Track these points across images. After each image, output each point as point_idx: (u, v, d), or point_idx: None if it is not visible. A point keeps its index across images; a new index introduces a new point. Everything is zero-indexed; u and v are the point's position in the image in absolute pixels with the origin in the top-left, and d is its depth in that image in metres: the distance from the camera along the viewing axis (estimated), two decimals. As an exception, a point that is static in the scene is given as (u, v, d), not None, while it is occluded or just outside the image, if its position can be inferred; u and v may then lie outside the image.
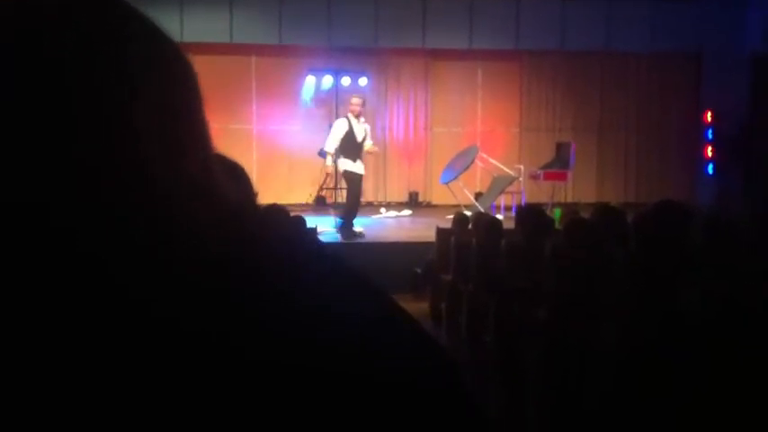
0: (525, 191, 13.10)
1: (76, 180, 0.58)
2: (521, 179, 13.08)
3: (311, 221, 10.26)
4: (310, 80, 14.05)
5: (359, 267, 0.71)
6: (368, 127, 10.49)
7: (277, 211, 3.52)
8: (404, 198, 14.53)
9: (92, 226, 0.59)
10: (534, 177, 13.10)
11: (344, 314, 0.65)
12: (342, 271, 0.71)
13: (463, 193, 12.32)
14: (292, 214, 5.89)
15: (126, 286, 0.60)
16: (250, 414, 0.60)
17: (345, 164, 10.22)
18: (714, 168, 13.91)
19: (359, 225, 10.87)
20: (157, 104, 0.63)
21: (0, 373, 0.58)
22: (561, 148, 13.47)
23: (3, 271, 0.57)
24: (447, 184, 12.59)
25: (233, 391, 0.60)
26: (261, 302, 0.63)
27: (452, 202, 12.52)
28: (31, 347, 0.58)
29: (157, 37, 0.65)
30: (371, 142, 10.53)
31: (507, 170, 12.96)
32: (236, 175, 1.87)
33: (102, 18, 0.62)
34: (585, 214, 5.67)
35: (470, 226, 7.32)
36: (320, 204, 13.46)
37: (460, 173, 12.39)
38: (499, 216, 9.83)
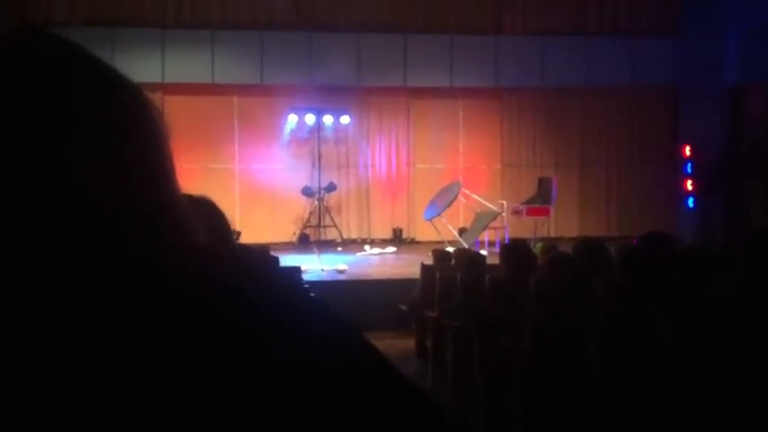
0: (508, 226, 13.14)
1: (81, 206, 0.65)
2: (504, 215, 13.13)
3: (295, 260, 10.24)
4: (292, 118, 14.12)
5: (337, 306, 0.74)
6: None
7: (257, 251, 3.52)
8: (388, 235, 14.53)
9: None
10: (517, 213, 13.15)
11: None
12: (317, 307, 0.74)
13: (447, 230, 12.35)
14: (272, 253, 5.90)
15: (121, 295, 0.65)
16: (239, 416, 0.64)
17: None
18: (694, 201, 14.02)
19: (342, 263, 10.86)
20: (142, 144, 0.69)
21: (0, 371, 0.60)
22: (543, 184, 13.55)
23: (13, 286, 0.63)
24: (430, 220, 12.62)
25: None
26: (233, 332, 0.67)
27: (436, 238, 12.54)
28: (32, 347, 0.61)
29: (137, 91, 0.73)
30: None
31: (490, 206, 13.01)
32: (206, 211, 1.80)
33: (97, 77, 0.70)
34: (567, 249, 5.70)
35: (453, 262, 7.33)
36: (304, 242, 13.45)
37: (444, 209, 12.43)
38: (483, 252, 9.86)
